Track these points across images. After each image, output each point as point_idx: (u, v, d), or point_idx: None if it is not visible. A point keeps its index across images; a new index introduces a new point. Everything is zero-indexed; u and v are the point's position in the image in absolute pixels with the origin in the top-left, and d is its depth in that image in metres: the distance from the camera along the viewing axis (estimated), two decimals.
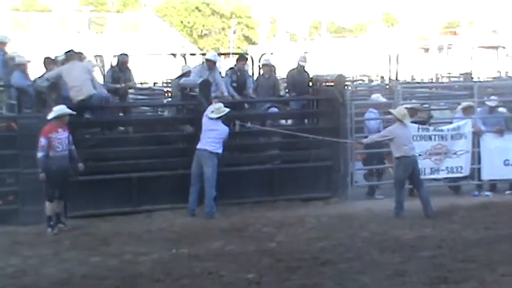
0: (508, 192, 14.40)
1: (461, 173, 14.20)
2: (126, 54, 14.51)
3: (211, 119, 12.53)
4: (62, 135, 11.52)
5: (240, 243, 10.59)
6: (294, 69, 15.63)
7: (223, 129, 12.58)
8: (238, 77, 14.70)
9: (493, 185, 14.54)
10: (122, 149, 13.14)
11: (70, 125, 11.75)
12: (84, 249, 10.38)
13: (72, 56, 13.06)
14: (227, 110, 12.63)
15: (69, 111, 11.64)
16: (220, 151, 12.51)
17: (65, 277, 9.07)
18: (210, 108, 12.65)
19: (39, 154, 11.34)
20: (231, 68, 14.94)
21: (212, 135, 12.47)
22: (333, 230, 11.33)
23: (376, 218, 12.16)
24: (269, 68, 15.45)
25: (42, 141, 11.35)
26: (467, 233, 11.01)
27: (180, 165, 13.13)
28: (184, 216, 12.44)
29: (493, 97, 15.08)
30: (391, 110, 12.99)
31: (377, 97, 15.12)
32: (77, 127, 12.96)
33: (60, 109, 11.60)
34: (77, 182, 12.19)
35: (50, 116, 11.52)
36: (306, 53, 17.45)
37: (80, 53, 13.42)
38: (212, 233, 11.23)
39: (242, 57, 15.18)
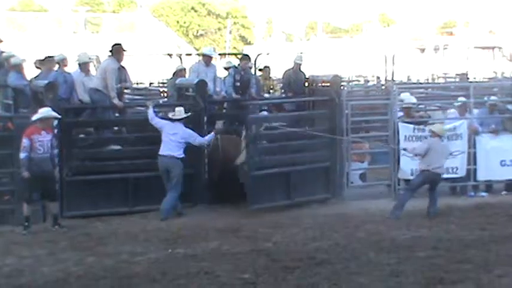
0: (503, 192, 14.41)
1: (457, 173, 14.20)
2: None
3: (173, 121, 12.51)
4: (45, 138, 11.51)
5: (236, 243, 10.59)
6: (290, 69, 15.70)
7: (184, 132, 12.48)
8: (242, 76, 14.78)
9: (489, 186, 14.56)
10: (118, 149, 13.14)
11: (66, 124, 11.71)
12: (80, 249, 10.37)
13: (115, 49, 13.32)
14: (186, 115, 12.58)
15: (54, 114, 11.65)
16: (183, 155, 12.45)
17: (61, 277, 9.07)
18: (172, 112, 12.65)
19: (22, 154, 11.39)
20: (235, 67, 14.99)
21: (175, 139, 12.37)
22: (329, 230, 11.33)
23: (372, 218, 12.18)
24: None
25: (25, 142, 11.39)
26: (463, 234, 11.03)
27: None
28: (180, 216, 12.44)
29: (493, 97, 15.12)
30: (430, 127, 13.00)
31: (408, 97, 15.04)
32: (72, 127, 13.01)
33: (45, 111, 11.60)
34: (73, 182, 12.22)
35: (35, 117, 11.54)
36: (301, 52, 17.47)
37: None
38: (208, 233, 11.22)
39: (246, 57, 15.30)
